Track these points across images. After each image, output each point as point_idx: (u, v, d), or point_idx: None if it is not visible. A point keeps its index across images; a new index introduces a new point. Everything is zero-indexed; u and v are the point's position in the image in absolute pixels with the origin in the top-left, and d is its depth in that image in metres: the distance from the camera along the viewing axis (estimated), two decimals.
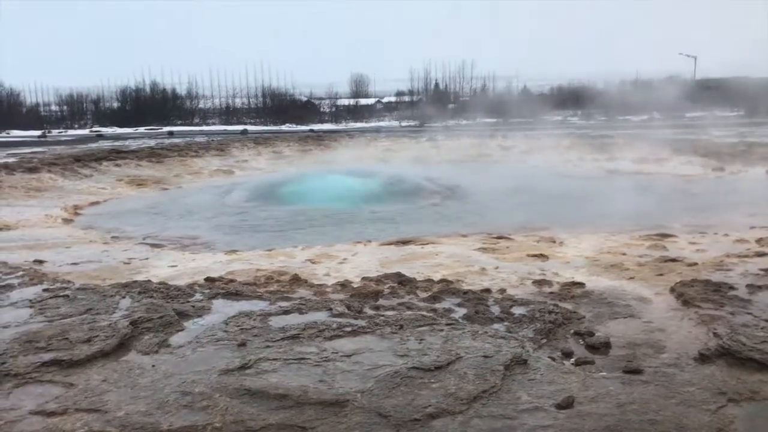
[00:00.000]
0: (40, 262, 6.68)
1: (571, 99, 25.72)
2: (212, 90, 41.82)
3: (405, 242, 7.58)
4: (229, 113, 40.41)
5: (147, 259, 7.06)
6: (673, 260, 6.17)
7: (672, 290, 5.09)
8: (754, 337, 3.93)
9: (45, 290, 5.26)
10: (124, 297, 4.95)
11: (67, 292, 5.11)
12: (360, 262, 6.64)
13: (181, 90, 39.66)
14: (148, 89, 38.29)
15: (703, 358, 3.72)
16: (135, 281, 5.55)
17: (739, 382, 3.42)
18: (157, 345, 4.04)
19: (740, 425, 3.00)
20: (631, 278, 5.59)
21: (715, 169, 13.18)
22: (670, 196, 10.51)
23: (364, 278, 5.64)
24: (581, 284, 5.34)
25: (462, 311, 4.64)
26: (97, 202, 11.40)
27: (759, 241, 6.88)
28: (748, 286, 5.09)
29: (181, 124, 34.57)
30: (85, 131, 30.03)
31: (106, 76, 38.30)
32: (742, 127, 20.89)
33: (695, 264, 5.97)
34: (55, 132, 29.98)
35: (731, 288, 5.05)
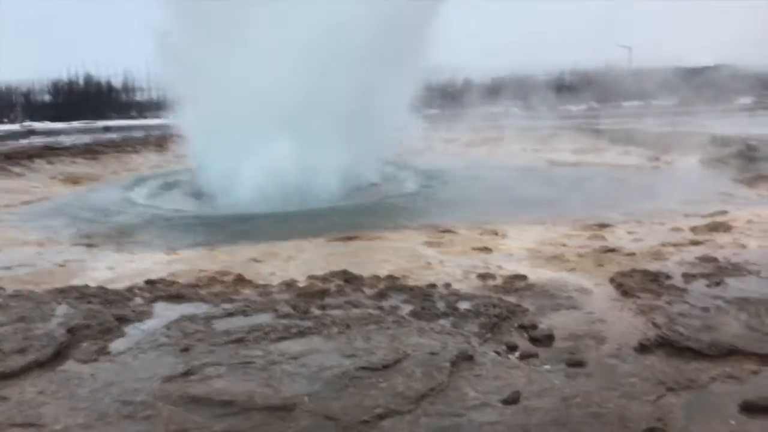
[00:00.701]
0: None
1: (513, 90, 26.11)
2: (149, 82, 40.74)
3: (351, 238, 7.55)
4: (166, 105, 39.24)
5: (84, 261, 6.82)
6: (612, 250, 6.33)
7: (612, 280, 5.23)
8: (690, 327, 4.07)
9: None
10: (60, 303, 4.77)
11: None
12: (306, 259, 6.58)
13: (117, 83, 38.54)
14: (81, 82, 37.05)
15: (642, 349, 3.83)
16: (72, 286, 5.35)
17: (678, 371, 3.54)
18: (96, 353, 3.93)
19: (679, 413, 3.10)
20: (572, 269, 5.70)
21: (651, 159, 13.59)
22: (608, 186, 10.76)
23: (310, 276, 5.58)
24: (524, 277, 5.42)
25: (408, 308, 4.65)
26: (29, 202, 10.93)
27: (693, 229, 7.12)
28: (683, 275, 5.27)
29: (117, 118, 33.54)
30: (16, 126, 28.84)
31: (38, 69, 36.83)
32: (675, 116, 21.60)
33: (633, 254, 6.14)
34: None
35: (668, 277, 5.22)
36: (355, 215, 9.23)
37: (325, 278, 5.51)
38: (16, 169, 13.55)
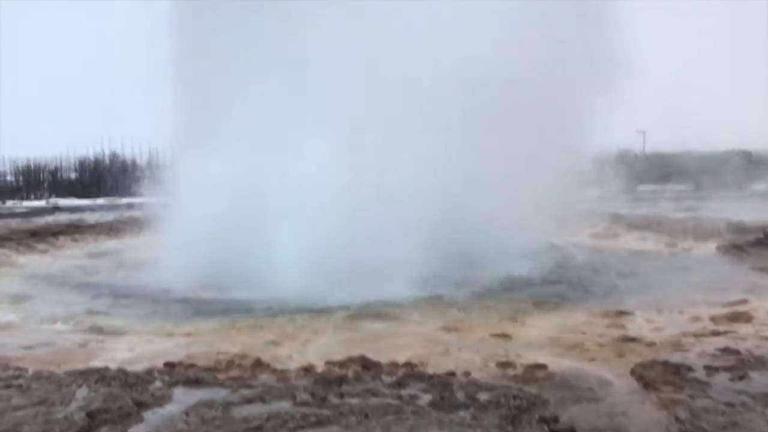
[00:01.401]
0: None
1: None
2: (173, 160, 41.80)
3: (368, 317, 7.56)
4: None
5: (104, 341, 6.87)
6: (632, 339, 6.28)
7: (632, 372, 5.17)
8: (714, 423, 4.01)
9: None
10: (80, 386, 4.80)
11: (20, 381, 4.94)
12: (324, 342, 6.60)
13: (143, 161, 39.54)
14: (107, 160, 38.05)
15: None
16: (92, 368, 5.39)
17: None
18: None
19: None
20: (592, 359, 5.66)
21: (668, 245, 13.56)
22: (626, 272, 10.71)
23: (327, 362, 5.58)
24: (544, 366, 5.38)
25: (427, 397, 4.62)
26: (54, 278, 11.10)
27: (713, 318, 7.06)
28: (705, 367, 5.21)
29: (140, 195, 34.22)
30: (42, 203, 29.52)
31: (66, 145, 37.90)
32: (692, 201, 21.63)
33: (653, 344, 6.09)
34: (9, 203, 29.42)
35: (690, 369, 5.16)
36: None
37: (342, 363, 5.49)
38: (41, 246, 13.80)
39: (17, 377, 5.09)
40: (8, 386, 4.84)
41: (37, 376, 5.10)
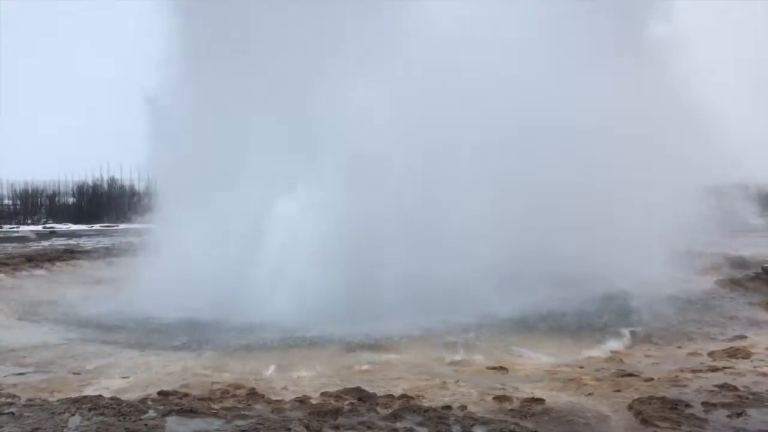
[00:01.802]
0: None
1: None
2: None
3: (363, 349, 7.53)
4: None
5: (98, 368, 6.82)
6: (630, 375, 6.25)
7: (630, 407, 5.14)
8: None
9: None
10: (73, 414, 4.76)
11: (12, 409, 4.90)
12: (319, 372, 6.56)
13: (140, 186, 39.60)
14: (106, 185, 38.11)
15: None
16: (85, 396, 5.34)
17: None
18: None
19: None
20: (589, 394, 5.62)
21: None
22: (624, 306, 10.61)
23: (323, 393, 5.54)
24: (541, 400, 5.34)
25: (423, 431, 4.58)
26: (48, 304, 11.04)
27: (711, 354, 7.03)
28: (703, 403, 5.17)
29: (138, 222, 34.23)
30: (39, 227, 29.46)
31: (64, 170, 38.05)
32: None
33: (651, 379, 6.05)
34: (6, 227, 29.38)
35: (687, 405, 5.12)
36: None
37: (338, 395, 5.46)
38: (38, 271, 13.75)
39: (9, 404, 5.04)
40: (0, 414, 4.79)
41: (30, 404, 5.05)
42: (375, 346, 7.66)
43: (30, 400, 5.22)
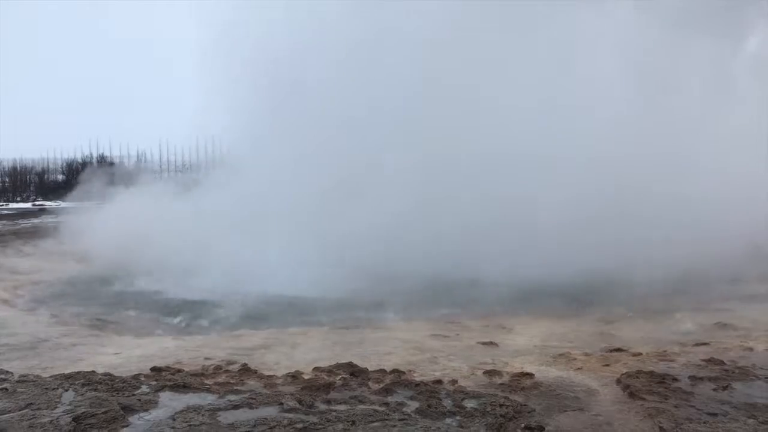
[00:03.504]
0: None
1: None
2: (161, 164, 41.62)
3: (357, 326, 7.60)
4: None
5: (91, 344, 6.85)
6: (618, 350, 6.32)
7: (618, 381, 5.21)
8: None
9: None
10: (66, 390, 4.78)
11: (5, 385, 4.91)
12: (311, 347, 6.61)
13: (130, 164, 39.36)
14: (95, 162, 37.86)
15: None
16: (78, 372, 5.35)
17: None
18: None
19: None
20: (578, 368, 5.69)
21: None
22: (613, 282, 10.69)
23: (315, 368, 5.59)
24: (531, 375, 5.41)
25: (414, 405, 4.63)
26: (39, 282, 11.04)
27: (699, 328, 7.12)
28: (690, 377, 5.25)
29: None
30: (28, 204, 29.32)
31: (54, 148, 37.75)
32: None
33: (639, 354, 6.13)
34: None
35: (674, 379, 5.20)
36: None
37: (330, 370, 5.50)
38: (27, 249, 13.71)
39: (2, 380, 5.06)
40: None
41: (23, 380, 5.07)
42: None
43: (23, 376, 5.24)
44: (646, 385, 5.02)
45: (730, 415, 4.41)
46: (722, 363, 5.66)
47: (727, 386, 5.02)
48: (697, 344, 6.45)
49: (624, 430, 4.26)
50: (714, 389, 4.98)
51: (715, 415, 4.43)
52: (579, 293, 9.22)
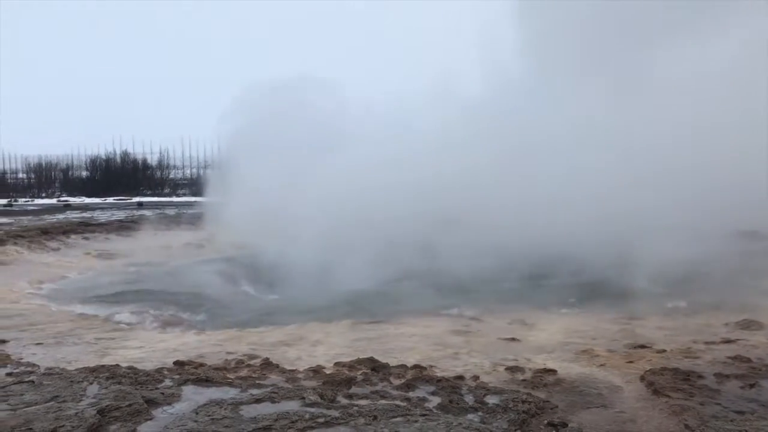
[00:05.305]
0: (3, 341, 6.50)
1: None
2: (183, 160, 41.98)
3: (378, 321, 7.60)
4: (199, 184, 40.32)
5: (114, 339, 6.92)
6: (642, 346, 6.25)
7: (642, 378, 5.15)
8: (724, 430, 3.98)
9: (8, 374, 5.12)
10: (91, 383, 4.84)
11: (32, 377, 4.99)
12: (333, 343, 6.62)
13: (152, 160, 39.76)
14: (118, 159, 38.29)
15: None
16: (103, 365, 5.43)
17: None
18: None
19: None
20: (602, 365, 5.63)
21: None
22: (636, 278, 10.60)
23: (336, 363, 5.60)
24: (553, 371, 5.37)
25: (436, 400, 4.62)
26: (64, 277, 11.19)
27: (725, 325, 7.02)
28: (716, 375, 5.18)
29: (150, 195, 34.48)
30: (53, 200, 29.75)
31: (77, 144, 38.29)
32: None
33: (664, 350, 6.05)
34: (21, 201, 29.68)
35: (700, 377, 5.13)
36: None
37: (351, 365, 5.51)
38: (52, 244, 13.90)
39: (29, 373, 5.14)
40: (20, 382, 4.88)
41: (49, 373, 5.14)
42: None
43: (49, 369, 5.31)
44: (671, 383, 4.96)
45: (758, 413, 4.34)
46: (749, 360, 5.57)
47: (754, 384, 4.94)
48: (722, 341, 6.36)
49: (648, 427, 4.21)
50: (741, 387, 4.91)
51: (742, 413, 4.36)
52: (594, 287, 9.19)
